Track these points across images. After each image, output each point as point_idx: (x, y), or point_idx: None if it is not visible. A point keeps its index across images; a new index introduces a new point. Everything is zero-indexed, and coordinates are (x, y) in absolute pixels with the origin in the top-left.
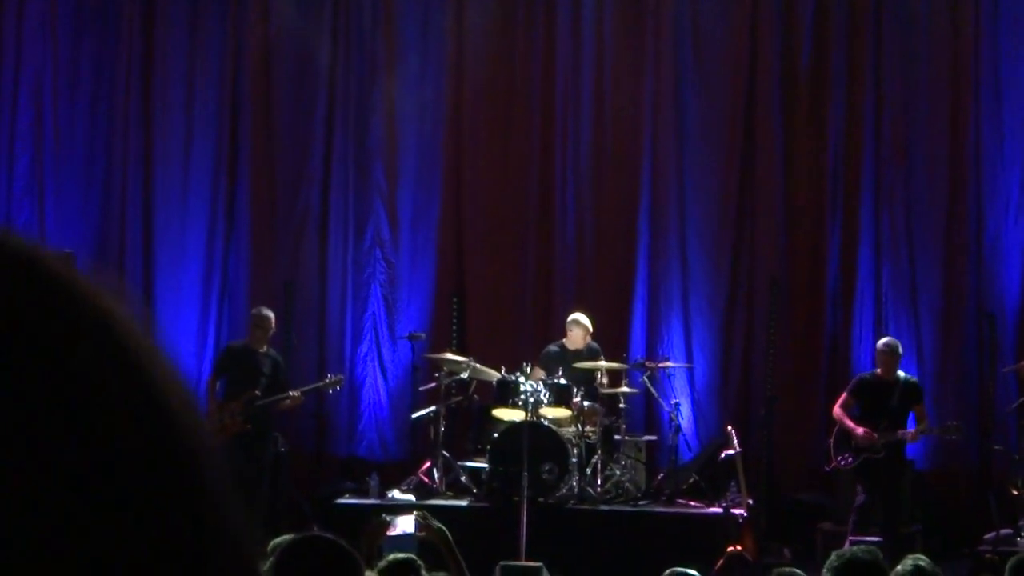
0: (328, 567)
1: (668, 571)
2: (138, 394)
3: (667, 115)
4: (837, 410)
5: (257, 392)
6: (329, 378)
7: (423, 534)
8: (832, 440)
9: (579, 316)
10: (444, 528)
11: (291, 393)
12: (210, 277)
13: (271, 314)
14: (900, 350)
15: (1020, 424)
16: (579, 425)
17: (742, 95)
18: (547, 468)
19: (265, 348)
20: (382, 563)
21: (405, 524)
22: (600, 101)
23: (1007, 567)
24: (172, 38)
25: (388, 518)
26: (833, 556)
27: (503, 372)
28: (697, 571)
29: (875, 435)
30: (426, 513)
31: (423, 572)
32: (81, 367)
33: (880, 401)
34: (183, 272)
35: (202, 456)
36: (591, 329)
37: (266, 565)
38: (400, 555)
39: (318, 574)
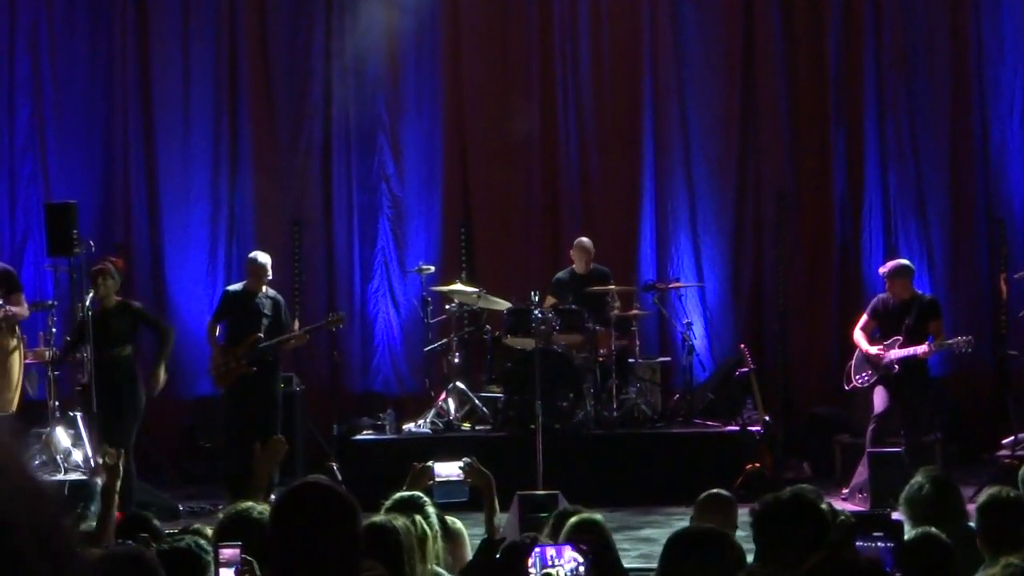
0: (325, 513)
1: (704, 494)
2: None
3: (666, 32)
4: (856, 332)
5: (260, 335)
6: (331, 316)
7: (469, 479)
8: (852, 362)
9: (580, 240)
10: (490, 474)
11: (294, 332)
12: (217, 218)
13: (266, 260)
14: (907, 269)
15: None
16: (592, 350)
17: (740, 8)
18: (562, 395)
19: (264, 289)
20: (389, 502)
21: (452, 469)
22: (598, 21)
23: (1021, 474)
24: None
25: (432, 464)
26: (769, 497)
27: (513, 301)
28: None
29: (886, 355)
30: (474, 459)
31: (428, 508)
32: None
33: (898, 320)
34: (189, 215)
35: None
36: (592, 252)
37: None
38: (406, 493)
39: (315, 521)
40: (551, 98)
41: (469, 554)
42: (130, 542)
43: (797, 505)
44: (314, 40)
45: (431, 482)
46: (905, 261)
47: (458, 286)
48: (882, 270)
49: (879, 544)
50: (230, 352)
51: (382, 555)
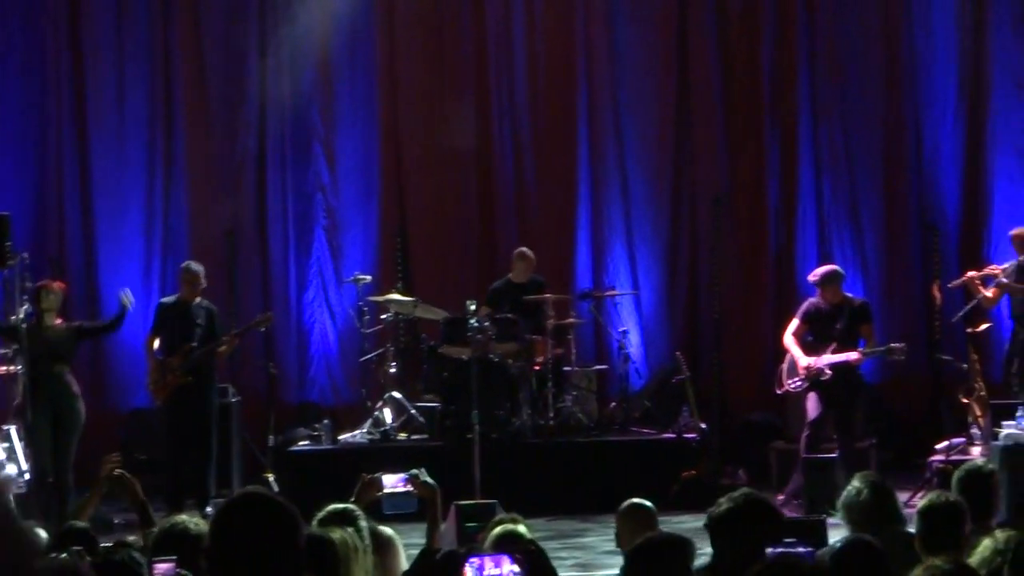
0: (267, 525)
1: (626, 503)
2: None
3: (600, 41)
4: (788, 337)
5: (194, 344)
6: (259, 316)
7: (415, 491)
8: (784, 366)
9: (523, 249)
10: (436, 486)
11: (223, 337)
12: (151, 229)
13: (199, 268)
14: (837, 275)
15: (967, 333)
16: (528, 359)
17: (674, 15)
18: (498, 403)
19: (198, 300)
20: (321, 513)
21: (398, 480)
22: (532, 31)
23: (954, 479)
24: None
25: (380, 475)
26: (723, 500)
27: (449, 310)
28: (652, 498)
29: (816, 365)
30: (422, 470)
31: (361, 521)
32: None
33: (829, 325)
34: (123, 226)
35: None
36: (534, 262)
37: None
38: (339, 505)
39: (257, 532)
40: (486, 107)
41: (403, 563)
42: (65, 555)
43: (751, 505)
44: (248, 51)
45: (380, 493)
46: (834, 267)
47: (394, 296)
48: (812, 277)
49: (799, 549)
50: (165, 364)
51: (319, 567)
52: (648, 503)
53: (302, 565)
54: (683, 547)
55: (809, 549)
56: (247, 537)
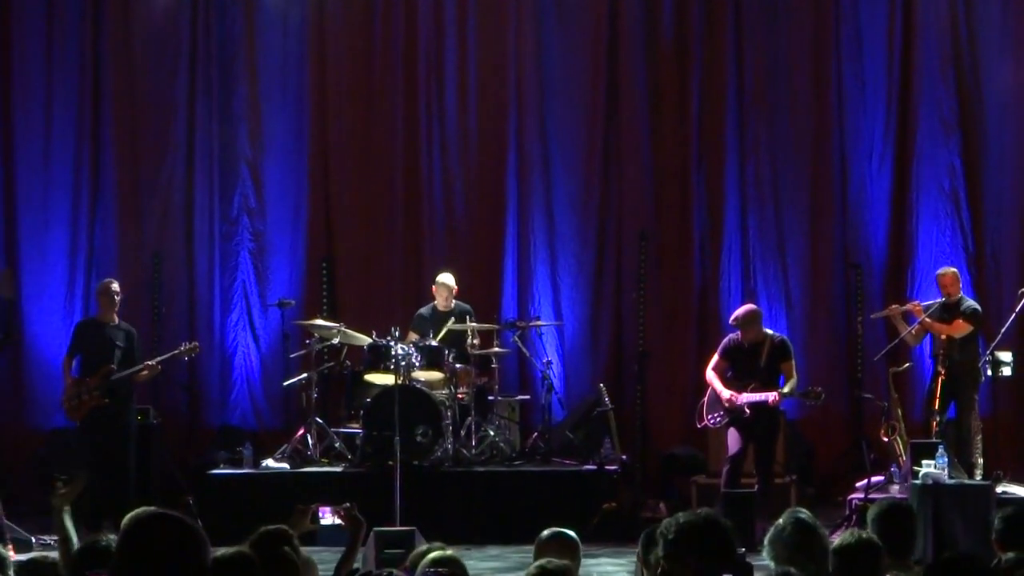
0: (172, 545)
1: (547, 531)
2: None
3: (530, 74)
4: (709, 372)
5: (113, 366)
6: (184, 346)
7: (341, 522)
8: (705, 400)
9: (442, 276)
10: (363, 522)
11: (147, 363)
12: (76, 247)
13: (112, 283)
14: (756, 315)
15: (889, 371)
16: (452, 387)
17: (604, 49)
18: (421, 431)
19: (117, 321)
20: (254, 535)
21: (329, 511)
22: (463, 62)
23: (869, 517)
24: (29, 3)
25: (315, 506)
26: (667, 523)
27: (374, 336)
28: (574, 529)
29: (737, 401)
30: (354, 504)
31: (295, 541)
32: None
33: (749, 362)
34: (48, 243)
35: None
36: (455, 288)
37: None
38: (271, 527)
39: (162, 552)
40: (415, 136)
41: None
42: None
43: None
44: (178, 71)
45: (314, 525)
46: (752, 306)
47: (319, 321)
48: (732, 320)
49: None
50: (82, 384)
51: None
52: (571, 533)
53: None
54: None
55: None
56: (153, 556)
